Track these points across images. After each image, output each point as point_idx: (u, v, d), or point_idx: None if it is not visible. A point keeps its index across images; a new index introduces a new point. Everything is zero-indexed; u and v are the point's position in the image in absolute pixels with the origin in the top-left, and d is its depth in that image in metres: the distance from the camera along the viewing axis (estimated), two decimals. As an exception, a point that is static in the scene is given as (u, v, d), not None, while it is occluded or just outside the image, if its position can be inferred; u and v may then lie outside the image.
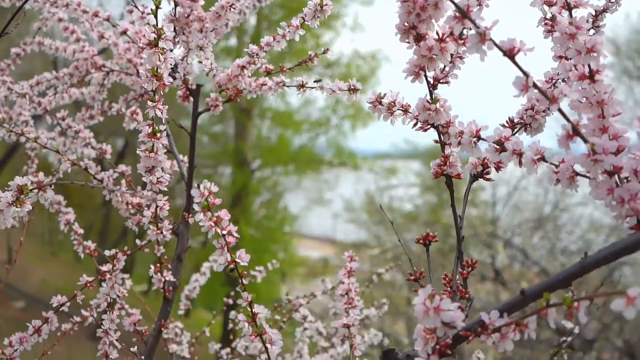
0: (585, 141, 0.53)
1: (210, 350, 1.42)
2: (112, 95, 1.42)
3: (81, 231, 1.13)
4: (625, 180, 0.55)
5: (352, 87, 0.88)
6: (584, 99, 0.56)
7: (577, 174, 0.56)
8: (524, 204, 7.85)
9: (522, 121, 0.71)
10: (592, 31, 0.75)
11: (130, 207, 1.05)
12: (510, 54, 0.52)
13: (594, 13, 0.75)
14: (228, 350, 1.39)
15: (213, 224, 0.64)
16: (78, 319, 1.15)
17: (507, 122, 0.71)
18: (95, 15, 1.12)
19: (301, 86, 0.99)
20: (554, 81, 0.71)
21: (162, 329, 1.01)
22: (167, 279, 1.00)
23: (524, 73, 0.52)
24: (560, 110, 0.54)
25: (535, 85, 0.52)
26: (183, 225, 1.04)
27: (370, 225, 10.54)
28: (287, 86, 1.01)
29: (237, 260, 0.66)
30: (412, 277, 0.67)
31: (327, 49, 1.05)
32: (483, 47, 0.52)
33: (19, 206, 0.69)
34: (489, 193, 8.07)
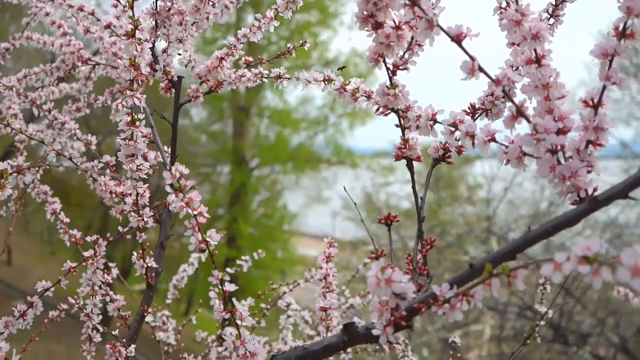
0: (529, 121, 0.56)
1: (197, 338, 1.46)
2: (101, 90, 1.45)
3: (67, 220, 1.16)
4: (571, 159, 0.58)
5: (326, 78, 0.91)
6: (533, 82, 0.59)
7: (525, 153, 0.59)
8: (521, 201, 7.89)
9: (482, 107, 0.74)
10: (552, 20, 0.78)
11: (113, 195, 1.08)
12: (457, 39, 0.55)
13: (554, 2, 0.78)
14: (213, 337, 1.43)
15: (184, 205, 0.67)
16: (65, 306, 1.18)
17: (468, 107, 0.74)
18: (80, 9, 1.15)
19: (278, 77, 1.02)
20: (513, 68, 0.74)
21: (145, 314, 1.04)
22: (149, 265, 1.03)
23: (471, 57, 0.55)
24: (505, 92, 0.57)
25: (480, 69, 0.55)
26: (165, 213, 1.07)
27: (369, 222, 10.57)
28: (266, 77, 1.05)
29: (207, 239, 0.69)
30: (373, 256, 0.70)
31: (305, 42, 1.08)
32: (431, 33, 0.55)
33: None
34: (486, 191, 8.12)
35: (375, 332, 0.60)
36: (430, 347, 5.44)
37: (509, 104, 0.69)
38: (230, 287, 0.71)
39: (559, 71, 0.59)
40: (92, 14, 1.17)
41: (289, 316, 1.38)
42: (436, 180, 10.54)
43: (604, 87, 0.57)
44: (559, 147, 0.56)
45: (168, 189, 0.67)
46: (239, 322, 0.70)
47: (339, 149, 11.65)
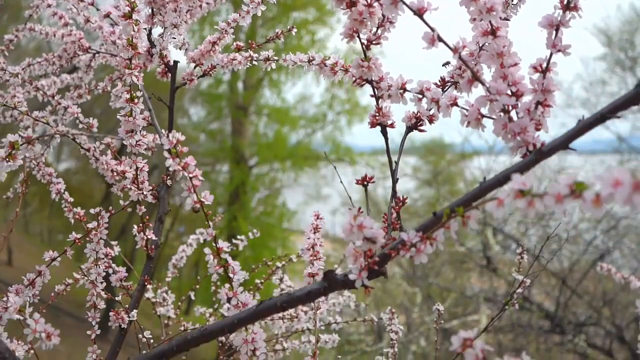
0: (484, 85, 0.63)
1: (196, 314, 1.53)
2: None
3: (71, 199, 1.23)
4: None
5: (310, 58, 0.98)
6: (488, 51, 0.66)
7: (483, 115, 0.66)
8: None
9: (452, 79, 0.81)
10: (515, 0, 0.85)
11: (115, 174, 1.15)
12: (419, 12, 0.62)
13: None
14: (211, 310, 1.50)
15: (181, 168, 0.74)
16: (70, 281, 1.25)
17: (439, 80, 0.81)
18: (81, 0, 1.22)
19: (267, 59, 1.09)
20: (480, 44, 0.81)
21: (146, 283, 1.11)
22: (149, 237, 1.10)
23: (431, 29, 0.63)
24: (461, 59, 0.64)
25: (440, 39, 0.62)
26: (164, 189, 1.14)
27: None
28: (256, 60, 1.12)
29: (202, 199, 0.76)
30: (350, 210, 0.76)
31: (293, 27, 1.16)
32: (396, 8, 0.62)
33: (10, 160, 0.79)
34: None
35: (351, 277, 0.67)
36: (428, 338, 5.52)
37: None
38: (223, 245, 0.78)
39: (512, 41, 0.66)
40: (92, 4, 1.24)
41: (282, 290, 1.45)
42: (435, 176, 10.62)
43: (551, 54, 0.64)
44: (510, 107, 0.63)
45: (166, 154, 0.74)
46: (231, 275, 0.77)
47: (337, 147, 11.71)
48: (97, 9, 1.22)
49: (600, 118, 0.57)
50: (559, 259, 7.42)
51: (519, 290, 1.20)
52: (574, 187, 0.45)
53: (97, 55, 1.34)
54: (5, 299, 0.81)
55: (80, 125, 1.26)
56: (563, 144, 0.59)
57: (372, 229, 0.62)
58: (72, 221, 1.21)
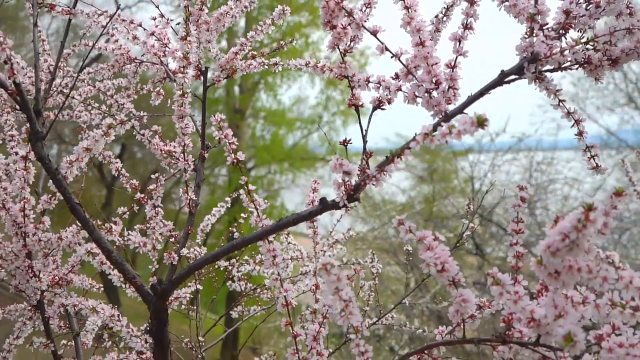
0: (413, 76, 1.03)
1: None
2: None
3: (127, 175, 1.62)
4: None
5: (307, 62, 1.37)
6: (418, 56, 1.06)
7: (416, 95, 1.06)
8: (506, 185, 8.40)
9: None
10: (444, 18, 1.24)
11: (162, 152, 1.54)
12: (374, 33, 1.02)
13: (446, 6, 1.24)
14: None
15: (223, 137, 1.13)
16: (138, 227, 1.63)
17: (394, 74, 1.20)
18: (131, 22, 1.61)
19: (275, 64, 1.49)
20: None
21: (189, 232, 1.50)
22: (191, 197, 1.49)
23: (381, 42, 1.02)
24: (400, 61, 1.03)
25: (386, 49, 1.02)
26: (200, 162, 1.53)
27: (367, 218, 11.00)
28: (267, 65, 1.51)
29: (238, 157, 1.15)
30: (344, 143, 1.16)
31: (293, 38, 1.55)
32: (359, 30, 1.01)
33: (106, 136, 1.18)
34: (471, 170, 8.62)
35: (337, 199, 1.06)
36: (421, 318, 5.92)
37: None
38: (252, 187, 1.17)
39: (436, 48, 1.05)
40: (140, 25, 1.63)
41: (289, 243, 1.84)
42: (430, 173, 11.02)
43: (456, 57, 1.03)
44: (432, 90, 1.02)
45: (212, 127, 1.13)
46: (258, 207, 1.16)
47: (333, 147, 12.05)
48: (144, 29, 1.61)
49: (479, 94, 0.96)
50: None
51: (467, 232, 1.58)
52: (451, 128, 0.84)
53: (141, 64, 1.73)
54: (110, 227, 1.20)
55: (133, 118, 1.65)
56: (459, 111, 0.98)
57: (348, 165, 1.01)
58: (130, 190, 1.60)
